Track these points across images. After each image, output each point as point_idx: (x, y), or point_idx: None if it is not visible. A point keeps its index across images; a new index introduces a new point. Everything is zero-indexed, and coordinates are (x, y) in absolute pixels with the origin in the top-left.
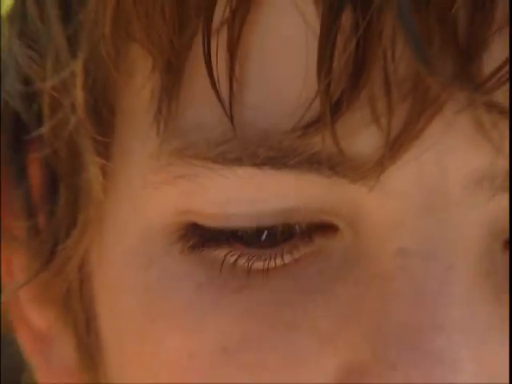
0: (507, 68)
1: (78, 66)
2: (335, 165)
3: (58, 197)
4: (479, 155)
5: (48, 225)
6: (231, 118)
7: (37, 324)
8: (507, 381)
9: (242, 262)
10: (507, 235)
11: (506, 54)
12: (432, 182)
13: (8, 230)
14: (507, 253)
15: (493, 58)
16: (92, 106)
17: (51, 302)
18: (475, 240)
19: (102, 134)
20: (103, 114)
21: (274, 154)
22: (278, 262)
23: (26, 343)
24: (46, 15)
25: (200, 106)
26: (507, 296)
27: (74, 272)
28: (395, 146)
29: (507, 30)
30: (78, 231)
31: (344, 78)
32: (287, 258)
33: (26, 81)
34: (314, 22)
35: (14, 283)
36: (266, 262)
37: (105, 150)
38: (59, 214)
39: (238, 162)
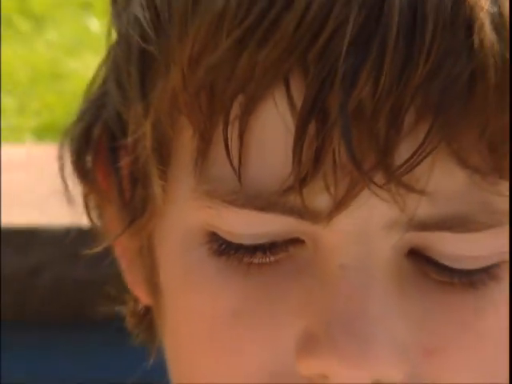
0: (411, 161)
1: (147, 126)
2: (302, 214)
3: (137, 187)
4: (391, 210)
5: (130, 202)
6: (239, 179)
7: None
8: (417, 355)
9: (245, 258)
10: (409, 247)
11: (410, 152)
12: (362, 225)
13: (109, 198)
14: (410, 257)
15: (401, 155)
16: (156, 149)
17: (130, 250)
18: (388, 258)
19: (162, 165)
20: (163, 154)
21: (265, 204)
22: (267, 260)
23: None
24: (130, 92)
25: (220, 166)
26: (412, 290)
27: (144, 239)
28: (339, 205)
29: (411, 136)
30: (147, 216)
31: (308, 164)
32: (272, 259)
33: (119, 114)
34: (292, 128)
35: (113, 233)
36: (260, 260)
37: (163, 175)
38: (136, 199)
39: (243, 206)
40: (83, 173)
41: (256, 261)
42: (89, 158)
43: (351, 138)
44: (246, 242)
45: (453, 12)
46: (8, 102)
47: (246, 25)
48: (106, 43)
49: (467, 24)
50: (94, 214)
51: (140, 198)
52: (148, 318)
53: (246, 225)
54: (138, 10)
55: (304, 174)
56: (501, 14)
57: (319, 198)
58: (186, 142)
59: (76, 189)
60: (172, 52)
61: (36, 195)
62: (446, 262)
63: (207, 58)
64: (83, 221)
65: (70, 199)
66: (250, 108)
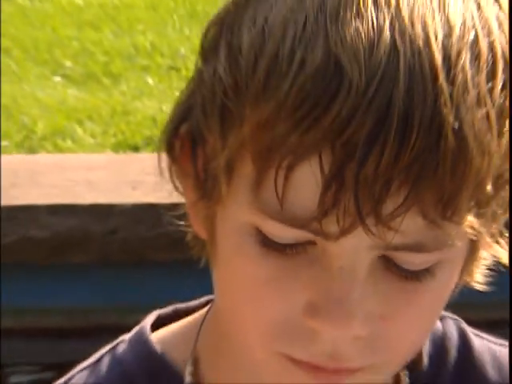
0: (393, 214)
1: (222, 158)
2: (319, 233)
3: (208, 178)
4: (374, 241)
5: (203, 183)
6: (281, 207)
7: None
8: (378, 321)
9: (278, 249)
10: (381, 253)
11: (392, 208)
12: (356, 245)
13: (188, 173)
14: (381, 259)
15: (387, 208)
16: (225, 167)
17: (197, 207)
18: (368, 264)
19: (228, 177)
20: (230, 171)
21: (296, 224)
22: (292, 251)
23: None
24: (210, 123)
25: (270, 195)
26: (380, 280)
27: (211, 211)
28: (343, 233)
29: (394, 198)
30: (214, 200)
31: (328, 206)
32: (295, 251)
33: (199, 127)
34: (319, 183)
35: (188, 196)
36: (287, 251)
37: (228, 182)
38: (208, 184)
39: (281, 222)
40: (171, 154)
41: (283, 252)
42: (177, 145)
43: (359, 199)
44: (280, 241)
45: (430, 123)
46: (95, 128)
47: (298, 116)
48: (195, 67)
49: (438, 132)
50: (176, 182)
51: (210, 185)
52: (202, 242)
53: (281, 233)
54: (222, 71)
55: (324, 211)
56: (460, 128)
57: (331, 227)
58: (247, 170)
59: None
60: (246, 114)
61: (113, 184)
62: (404, 265)
63: (270, 128)
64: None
65: (161, 179)
66: (294, 165)
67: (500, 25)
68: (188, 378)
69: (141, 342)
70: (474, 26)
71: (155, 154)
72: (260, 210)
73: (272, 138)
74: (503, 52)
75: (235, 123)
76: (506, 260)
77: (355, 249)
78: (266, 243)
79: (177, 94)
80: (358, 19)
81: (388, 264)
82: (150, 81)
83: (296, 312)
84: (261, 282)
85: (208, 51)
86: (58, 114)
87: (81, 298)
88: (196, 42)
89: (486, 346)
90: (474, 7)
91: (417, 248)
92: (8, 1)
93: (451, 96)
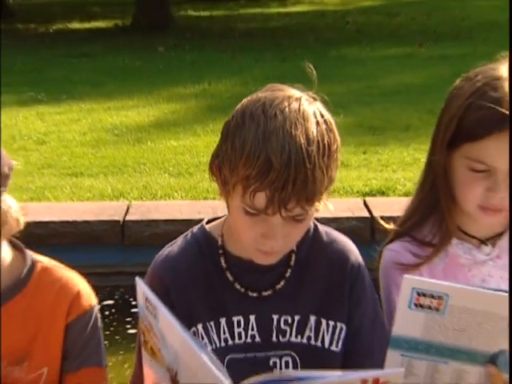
0: (290, 206)
1: (231, 183)
2: (266, 213)
3: (225, 187)
4: (283, 215)
5: (223, 188)
6: (253, 206)
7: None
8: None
9: (250, 213)
10: (286, 216)
11: (290, 204)
12: (277, 216)
13: (218, 184)
14: (286, 217)
15: (288, 205)
16: (231, 187)
17: (223, 197)
18: (281, 220)
19: (232, 190)
20: (233, 188)
21: (257, 210)
22: (254, 215)
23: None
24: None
25: (247, 200)
26: (286, 226)
27: (227, 198)
28: (274, 213)
29: (291, 201)
30: (227, 196)
31: (268, 205)
32: (255, 215)
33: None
34: (265, 199)
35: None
36: (253, 215)
37: (233, 192)
38: (225, 190)
39: (254, 210)
40: (212, 173)
41: (252, 215)
42: (214, 170)
43: (278, 203)
44: (251, 212)
45: (303, 173)
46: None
47: (257, 177)
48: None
49: (305, 177)
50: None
51: (225, 191)
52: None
53: (251, 211)
54: (230, 150)
55: (267, 207)
56: (313, 173)
57: (269, 211)
58: (239, 189)
59: None
60: (237, 171)
61: None
62: (295, 218)
63: (246, 179)
64: None
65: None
66: (256, 192)
67: (323, 131)
68: (219, 243)
69: (202, 227)
70: (318, 132)
71: None
72: (244, 203)
73: (247, 181)
74: (329, 143)
75: (233, 173)
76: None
77: (278, 217)
78: (247, 212)
79: None
80: (271, 140)
81: (289, 218)
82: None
83: (258, 235)
84: (244, 224)
85: (225, 138)
86: None
87: None
88: None
89: (324, 228)
90: (314, 122)
91: (299, 215)
92: None
93: (310, 163)
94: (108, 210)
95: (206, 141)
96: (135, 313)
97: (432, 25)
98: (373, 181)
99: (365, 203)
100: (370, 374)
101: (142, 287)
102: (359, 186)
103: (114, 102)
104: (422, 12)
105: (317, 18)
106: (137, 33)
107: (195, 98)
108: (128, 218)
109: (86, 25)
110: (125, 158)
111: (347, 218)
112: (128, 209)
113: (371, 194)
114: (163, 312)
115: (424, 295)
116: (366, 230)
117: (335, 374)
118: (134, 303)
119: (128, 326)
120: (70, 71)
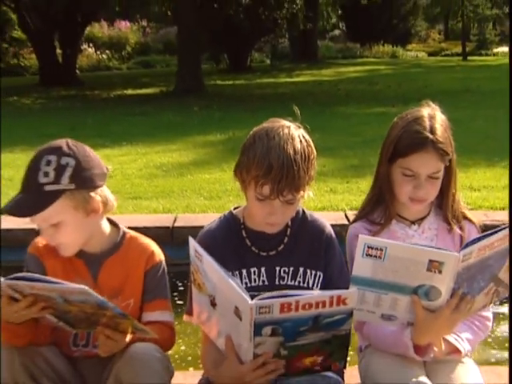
0: (285, 194)
1: (247, 180)
2: (270, 199)
3: (243, 183)
4: (281, 200)
5: (241, 185)
6: (261, 194)
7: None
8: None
9: (259, 199)
10: (283, 201)
11: (286, 193)
12: (277, 201)
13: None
14: (283, 202)
15: (283, 194)
16: (246, 183)
17: (242, 189)
18: (280, 203)
19: (248, 184)
20: (249, 183)
21: (265, 196)
22: (263, 201)
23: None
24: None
25: (257, 190)
26: (283, 206)
27: (244, 189)
28: (275, 198)
29: (285, 191)
30: (245, 188)
31: (272, 193)
32: (264, 201)
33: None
34: (269, 188)
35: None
36: (262, 201)
37: (248, 186)
38: (243, 185)
39: (263, 197)
40: (235, 176)
41: (262, 200)
42: (237, 174)
43: (277, 192)
44: (260, 198)
45: (293, 173)
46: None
47: (264, 175)
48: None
49: (293, 174)
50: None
51: (243, 186)
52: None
53: (260, 197)
54: (246, 161)
55: (270, 194)
56: (298, 172)
57: (272, 197)
58: (252, 185)
59: None
60: (251, 172)
61: None
62: (288, 201)
63: (257, 177)
64: None
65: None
66: (264, 184)
67: (304, 147)
68: (241, 220)
69: (230, 212)
70: (301, 147)
71: None
72: (255, 193)
73: (257, 179)
74: (308, 154)
75: (248, 174)
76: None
77: (277, 201)
78: (257, 199)
79: None
80: (272, 153)
81: (284, 202)
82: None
83: (266, 213)
84: (256, 207)
85: (242, 152)
86: None
87: None
88: None
89: (309, 212)
90: (298, 141)
91: (291, 199)
92: None
93: (296, 166)
94: (161, 220)
95: (230, 174)
96: (180, 291)
97: (402, 91)
98: (353, 202)
99: (345, 216)
100: (334, 292)
101: (192, 243)
102: (342, 206)
103: (161, 147)
104: (395, 82)
105: (315, 86)
106: (177, 96)
107: (222, 144)
108: (176, 225)
109: (139, 91)
110: (171, 187)
111: (332, 225)
112: (175, 219)
113: (351, 210)
114: (206, 257)
115: (371, 248)
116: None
117: (312, 292)
118: (180, 284)
119: (176, 299)
120: (128, 126)
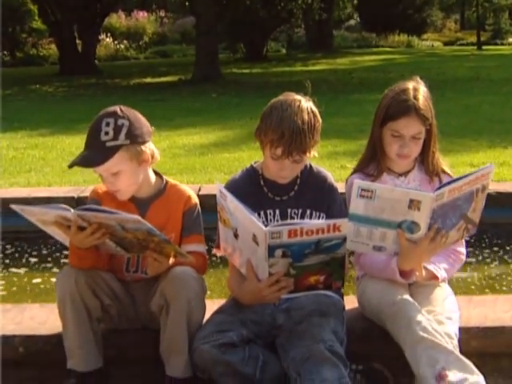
0: (294, 155)
1: (265, 142)
2: (283, 158)
3: (262, 143)
4: (290, 159)
5: (260, 145)
6: (274, 153)
7: None
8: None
9: (274, 158)
10: (292, 160)
11: (294, 154)
12: (287, 160)
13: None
14: (291, 161)
15: (293, 155)
16: (263, 144)
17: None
18: (290, 162)
19: (265, 145)
20: (266, 144)
21: (279, 156)
22: (277, 159)
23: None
24: None
25: (272, 150)
26: (291, 164)
27: (262, 148)
28: (286, 158)
29: (294, 152)
30: (263, 147)
31: (283, 153)
32: (278, 158)
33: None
34: (281, 149)
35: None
36: (276, 159)
37: (266, 146)
38: (262, 145)
39: (274, 155)
40: (256, 138)
41: (276, 159)
42: (257, 135)
43: (288, 152)
44: (274, 158)
45: (301, 136)
46: None
47: (279, 139)
48: None
49: (302, 136)
50: None
51: (262, 146)
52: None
53: (274, 157)
54: (264, 126)
55: (282, 155)
56: (305, 135)
57: (283, 157)
58: (268, 146)
59: None
60: (267, 138)
61: None
62: (296, 161)
63: (272, 140)
64: None
65: None
66: (277, 146)
67: (311, 117)
68: (260, 172)
69: (251, 165)
70: (308, 118)
71: None
72: (271, 153)
73: (272, 142)
74: (314, 123)
75: (265, 137)
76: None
77: (287, 161)
78: (272, 158)
79: None
80: (284, 122)
81: (293, 161)
82: None
83: (278, 168)
84: (272, 163)
85: (261, 119)
86: None
87: None
88: None
89: (315, 165)
90: (306, 113)
91: (298, 159)
92: None
93: (303, 133)
94: None
95: (248, 153)
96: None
97: None
98: None
99: None
100: (331, 221)
101: (218, 186)
102: None
103: (183, 130)
104: (409, 70)
105: (330, 74)
106: (195, 84)
107: (240, 127)
108: (200, 193)
109: (157, 79)
110: (194, 164)
111: (341, 193)
112: (200, 189)
113: None
114: (229, 196)
115: (364, 190)
116: None
117: (317, 221)
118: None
119: None
120: (149, 111)
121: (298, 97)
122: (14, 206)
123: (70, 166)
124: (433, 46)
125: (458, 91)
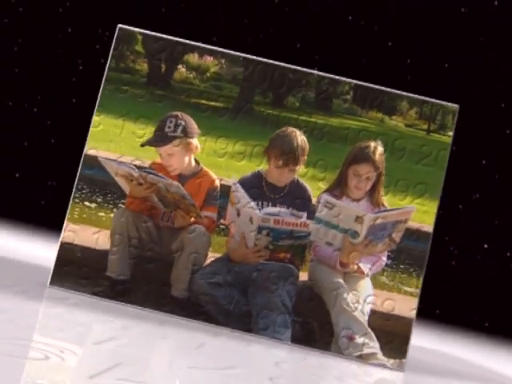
0: (288, 163)
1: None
2: (282, 162)
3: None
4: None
5: (268, 154)
6: (280, 162)
7: None
8: None
9: (276, 160)
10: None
11: (289, 164)
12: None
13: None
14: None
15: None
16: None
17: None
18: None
19: (268, 158)
20: (271, 156)
21: (281, 163)
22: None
23: None
24: None
25: (277, 162)
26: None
27: None
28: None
29: (289, 164)
30: (268, 158)
31: (283, 162)
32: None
33: None
34: (282, 161)
35: None
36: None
37: (269, 159)
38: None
39: (279, 161)
40: (264, 154)
41: (278, 168)
42: (265, 152)
43: (286, 166)
44: (277, 167)
45: (292, 156)
46: None
47: (279, 156)
48: None
49: (293, 155)
50: None
51: (268, 158)
52: None
53: (277, 167)
54: (270, 147)
55: (282, 164)
56: (295, 157)
57: (283, 167)
58: (273, 160)
59: None
60: (272, 152)
61: None
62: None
63: (276, 156)
64: None
65: None
66: (277, 160)
67: (303, 144)
68: (264, 176)
69: (258, 170)
70: (301, 143)
71: None
72: (273, 164)
73: (276, 156)
74: (305, 148)
75: (271, 153)
76: None
77: (286, 169)
78: (275, 167)
79: None
80: (284, 144)
81: (290, 170)
82: None
83: (278, 175)
84: (274, 171)
85: (270, 141)
86: None
87: None
88: None
89: (301, 180)
90: (299, 140)
91: (293, 169)
92: None
93: (297, 153)
94: None
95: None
96: None
97: None
98: None
99: None
100: (303, 219)
101: (234, 180)
102: None
103: None
104: None
105: None
106: None
107: None
108: (221, 182)
109: None
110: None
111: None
112: (221, 179)
113: None
114: (239, 187)
115: (328, 203)
116: None
117: (293, 218)
118: None
119: None
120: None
121: (295, 129)
122: (101, 159)
123: (142, 145)
124: None
125: None
